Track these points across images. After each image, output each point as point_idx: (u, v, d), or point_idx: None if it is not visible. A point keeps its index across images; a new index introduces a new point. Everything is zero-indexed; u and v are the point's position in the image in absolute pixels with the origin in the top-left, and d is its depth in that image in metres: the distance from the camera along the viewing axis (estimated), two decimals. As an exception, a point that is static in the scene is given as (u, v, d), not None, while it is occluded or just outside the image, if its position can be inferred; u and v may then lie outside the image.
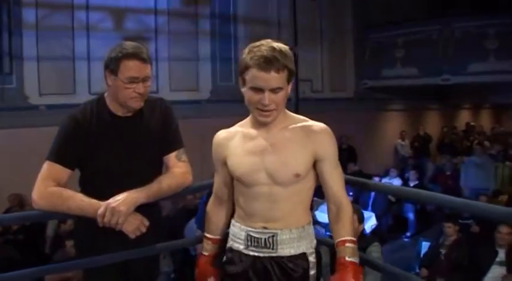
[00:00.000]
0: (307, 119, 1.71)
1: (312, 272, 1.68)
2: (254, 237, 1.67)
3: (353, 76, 10.14)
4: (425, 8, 9.75)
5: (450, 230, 4.67)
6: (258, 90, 1.56)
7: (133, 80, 1.74)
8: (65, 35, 6.80)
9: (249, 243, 1.68)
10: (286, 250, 1.66)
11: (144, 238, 1.79)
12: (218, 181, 1.82)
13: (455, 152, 10.10)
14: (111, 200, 1.69)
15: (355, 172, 7.91)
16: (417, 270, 4.81)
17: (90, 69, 6.92)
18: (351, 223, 1.66)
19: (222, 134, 1.75)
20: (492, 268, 4.24)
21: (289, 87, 1.63)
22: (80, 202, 1.71)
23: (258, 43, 1.58)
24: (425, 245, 5.13)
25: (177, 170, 1.87)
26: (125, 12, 7.22)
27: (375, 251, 3.05)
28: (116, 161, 1.80)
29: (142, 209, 1.76)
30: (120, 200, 1.69)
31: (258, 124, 1.66)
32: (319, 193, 1.76)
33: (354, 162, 8.86)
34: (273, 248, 1.65)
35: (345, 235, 1.61)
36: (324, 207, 1.79)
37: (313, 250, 1.71)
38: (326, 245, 2.01)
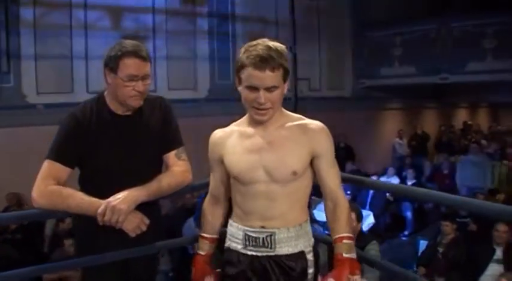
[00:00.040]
0: (303, 117, 1.73)
1: (311, 270, 1.69)
2: (252, 237, 1.68)
3: (351, 75, 10.15)
4: (423, 6, 9.76)
5: (448, 228, 4.69)
6: (254, 89, 1.57)
7: (132, 78, 1.75)
8: (62, 34, 6.80)
9: (247, 243, 1.69)
10: (284, 248, 1.66)
11: (144, 237, 1.79)
12: (214, 180, 1.82)
13: (453, 150, 10.11)
14: (111, 199, 1.70)
15: (353, 170, 7.93)
16: (415, 269, 4.82)
17: (88, 68, 6.92)
18: (347, 220, 1.68)
19: (218, 133, 1.76)
20: (490, 266, 4.25)
21: (286, 86, 1.64)
22: (80, 200, 1.71)
23: (254, 42, 1.60)
24: (423, 244, 5.14)
25: (177, 168, 1.87)
26: (123, 11, 7.22)
27: (373, 249, 3.06)
28: (115, 160, 1.80)
29: (142, 207, 1.76)
30: (121, 198, 1.70)
31: (255, 123, 1.67)
32: (317, 192, 1.77)
33: (351, 161, 8.87)
34: (271, 248, 1.66)
35: (342, 232, 1.63)
36: (322, 206, 1.80)
37: (311, 248, 1.71)
38: (324, 242, 2.02)
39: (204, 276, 1.84)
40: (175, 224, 5.19)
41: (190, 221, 5.14)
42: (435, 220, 5.92)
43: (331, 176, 1.69)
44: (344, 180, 1.82)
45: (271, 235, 1.66)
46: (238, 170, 1.67)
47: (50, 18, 6.69)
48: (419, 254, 5.06)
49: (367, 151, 9.86)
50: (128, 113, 1.85)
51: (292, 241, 1.67)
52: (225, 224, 1.85)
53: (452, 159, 9.17)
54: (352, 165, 8.66)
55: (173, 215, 5.67)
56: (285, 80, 1.62)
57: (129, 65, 1.73)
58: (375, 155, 10.17)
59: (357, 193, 7.19)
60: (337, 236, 1.63)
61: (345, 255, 1.60)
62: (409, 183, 7.73)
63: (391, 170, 8.30)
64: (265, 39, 1.61)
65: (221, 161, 1.73)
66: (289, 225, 1.67)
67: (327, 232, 2.45)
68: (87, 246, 1.85)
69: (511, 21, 7.99)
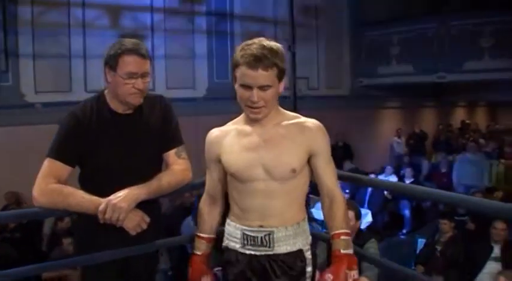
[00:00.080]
0: (299, 115, 1.74)
1: (309, 268, 1.70)
2: (250, 236, 1.68)
3: (349, 74, 10.16)
4: (421, 5, 9.77)
5: (446, 227, 4.70)
6: (247, 87, 1.59)
7: (132, 76, 1.75)
8: (60, 33, 6.79)
9: (245, 242, 1.69)
10: (282, 247, 1.67)
11: (145, 235, 1.80)
12: (210, 180, 1.83)
13: (451, 149, 10.13)
14: (112, 197, 1.70)
15: (351, 169, 7.94)
16: (413, 267, 4.83)
17: (86, 67, 6.91)
18: (344, 216, 1.70)
19: (214, 132, 1.77)
20: (487, 264, 4.26)
21: (282, 85, 1.65)
22: (81, 198, 1.71)
23: (250, 41, 1.61)
24: (421, 242, 5.15)
25: (177, 167, 1.87)
26: (121, 10, 7.21)
27: (372, 247, 3.07)
28: (115, 159, 1.81)
29: (142, 206, 1.76)
30: (121, 196, 1.70)
31: (251, 121, 1.68)
32: (316, 191, 1.78)
33: (350, 159, 8.88)
34: (269, 246, 1.67)
35: (339, 228, 1.66)
36: (320, 204, 1.82)
37: (309, 247, 1.72)
38: (324, 240, 2.03)
39: (201, 276, 1.84)
40: (174, 223, 5.20)
41: (189, 220, 5.14)
42: (433, 219, 5.93)
43: (328, 174, 1.71)
44: (342, 178, 1.83)
45: (269, 234, 1.66)
46: (236, 168, 1.68)
47: (48, 17, 6.68)
48: (417, 252, 5.07)
49: (365, 149, 9.87)
50: (128, 111, 1.85)
51: (291, 239, 1.68)
52: (222, 223, 1.85)
53: (451, 158, 9.18)
54: (350, 163, 8.67)
55: (171, 214, 5.68)
56: (280, 79, 1.63)
57: (129, 63, 1.73)
58: (373, 153, 10.18)
59: (356, 191, 7.21)
60: (334, 232, 1.66)
61: (342, 251, 1.62)
62: (407, 182, 7.73)
63: (389, 169, 8.31)
64: (261, 39, 1.62)
65: (218, 160, 1.74)
66: (287, 224, 1.68)
67: (325, 230, 2.46)
68: (87, 244, 1.85)
69: (508, 20, 8.01)
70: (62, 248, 4.60)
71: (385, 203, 7.36)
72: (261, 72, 1.56)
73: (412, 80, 9.44)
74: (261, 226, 1.67)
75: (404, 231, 7.38)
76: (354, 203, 3.60)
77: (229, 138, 1.72)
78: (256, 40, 1.61)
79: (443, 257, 4.58)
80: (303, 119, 1.72)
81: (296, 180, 1.68)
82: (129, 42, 1.77)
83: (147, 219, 1.77)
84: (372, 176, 7.46)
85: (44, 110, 6.45)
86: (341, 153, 8.71)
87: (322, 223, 4.41)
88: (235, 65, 1.60)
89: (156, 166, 1.89)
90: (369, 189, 7.18)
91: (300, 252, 1.69)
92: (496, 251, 4.32)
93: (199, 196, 1.92)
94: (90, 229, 1.78)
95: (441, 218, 4.82)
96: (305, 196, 1.76)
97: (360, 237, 3.08)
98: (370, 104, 10.23)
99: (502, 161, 8.65)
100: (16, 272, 1.76)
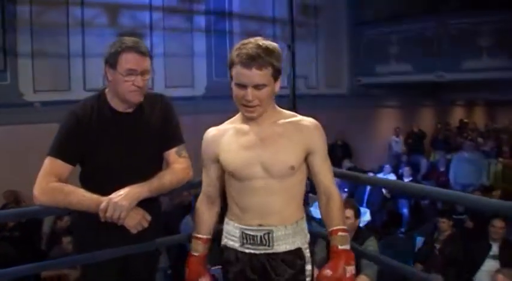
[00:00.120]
0: (296, 114, 1.76)
1: (308, 266, 1.72)
2: (250, 235, 1.69)
3: (348, 73, 10.16)
4: (420, 4, 9.78)
5: (444, 225, 4.71)
6: (242, 86, 1.61)
7: (131, 73, 1.75)
8: (59, 32, 6.77)
9: (245, 241, 1.70)
10: (282, 246, 1.68)
11: (145, 233, 1.80)
12: (207, 179, 1.83)
13: (449, 148, 10.15)
14: (113, 195, 1.70)
15: (350, 168, 7.95)
16: (412, 265, 4.84)
17: (85, 66, 6.90)
18: (341, 213, 1.72)
19: (212, 131, 1.77)
20: (486, 262, 4.27)
21: (278, 84, 1.66)
22: (82, 197, 1.72)
23: (247, 41, 1.63)
24: (419, 241, 5.16)
25: (178, 166, 1.88)
26: (120, 8, 7.20)
27: (371, 245, 3.09)
28: (116, 157, 1.81)
29: (143, 204, 1.77)
30: (122, 195, 1.70)
31: (248, 120, 1.69)
32: (315, 189, 1.79)
33: (348, 158, 8.89)
34: (269, 245, 1.68)
35: (336, 224, 1.68)
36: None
37: (308, 245, 1.74)
38: (324, 238, 2.04)
39: (198, 277, 1.84)
40: (173, 221, 5.20)
41: (188, 218, 5.15)
42: (432, 217, 5.94)
43: (325, 171, 1.73)
44: (339, 176, 1.84)
45: (268, 233, 1.67)
46: (234, 167, 1.68)
47: (47, 16, 6.67)
48: (416, 250, 5.08)
49: (364, 148, 9.89)
50: (129, 110, 1.85)
51: (290, 238, 1.69)
52: (220, 221, 1.86)
53: (449, 157, 9.19)
54: (349, 162, 8.68)
55: (170, 212, 5.68)
56: (275, 79, 1.64)
57: (128, 60, 1.74)
58: (372, 152, 10.19)
59: (354, 190, 7.21)
60: (331, 229, 1.68)
61: (340, 247, 1.65)
62: (406, 180, 7.73)
63: (387, 167, 8.31)
64: (258, 38, 1.63)
65: (216, 159, 1.74)
66: (286, 222, 1.69)
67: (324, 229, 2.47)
68: (87, 243, 1.85)
69: (506, 20, 8.02)
70: (61, 247, 4.60)
71: (383, 202, 7.36)
72: (255, 71, 1.58)
73: (410, 79, 9.44)
74: (260, 225, 1.68)
75: (403, 229, 7.37)
76: (353, 201, 3.62)
77: (227, 137, 1.72)
78: (252, 39, 1.62)
79: (441, 255, 4.59)
80: (299, 117, 1.74)
81: (294, 177, 1.69)
82: (129, 40, 1.77)
83: (148, 217, 1.77)
84: (371, 174, 7.48)
85: (43, 109, 6.45)
86: (340, 152, 8.73)
87: (321, 222, 4.42)
88: (231, 64, 1.62)
89: (157, 164, 1.89)
90: (368, 188, 7.19)
91: (299, 250, 1.70)
92: (495, 249, 4.33)
93: (196, 196, 1.92)
94: (91, 228, 1.78)
95: (440, 216, 4.83)
96: (303, 194, 1.77)
97: (359, 235, 3.10)
98: (368, 103, 10.24)
99: (500, 160, 8.66)
100: (15, 271, 1.77)
